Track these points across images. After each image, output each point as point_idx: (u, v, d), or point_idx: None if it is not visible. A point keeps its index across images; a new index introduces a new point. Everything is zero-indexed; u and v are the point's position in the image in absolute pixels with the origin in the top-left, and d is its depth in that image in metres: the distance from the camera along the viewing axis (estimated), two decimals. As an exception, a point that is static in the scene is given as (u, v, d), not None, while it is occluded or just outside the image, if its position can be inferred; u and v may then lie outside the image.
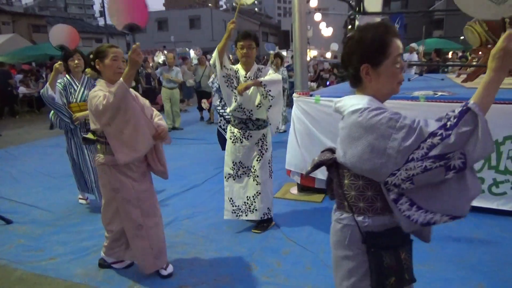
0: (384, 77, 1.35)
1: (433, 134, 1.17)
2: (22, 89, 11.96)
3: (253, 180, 3.34)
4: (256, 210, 3.37)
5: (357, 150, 1.28)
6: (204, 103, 8.40)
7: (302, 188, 4.31)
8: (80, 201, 4.25)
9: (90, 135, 2.68)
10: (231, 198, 3.43)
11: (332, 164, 1.47)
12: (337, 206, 1.52)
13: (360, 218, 1.39)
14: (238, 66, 3.31)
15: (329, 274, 2.71)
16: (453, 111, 1.20)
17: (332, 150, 1.52)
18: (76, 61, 3.78)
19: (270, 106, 3.16)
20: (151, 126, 2.53)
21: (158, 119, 2.68)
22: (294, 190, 4.37)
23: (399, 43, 1.34)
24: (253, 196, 3.36)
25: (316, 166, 1.50)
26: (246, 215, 3.42)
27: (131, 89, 2.65)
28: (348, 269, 1.46)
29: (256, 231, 3.40)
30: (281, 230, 3.43)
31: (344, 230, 1.44)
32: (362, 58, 1.35)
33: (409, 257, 1.39)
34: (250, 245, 3.18)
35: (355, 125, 1.29)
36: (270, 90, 3.08)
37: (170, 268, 2.77)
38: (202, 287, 2.63)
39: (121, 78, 2.28)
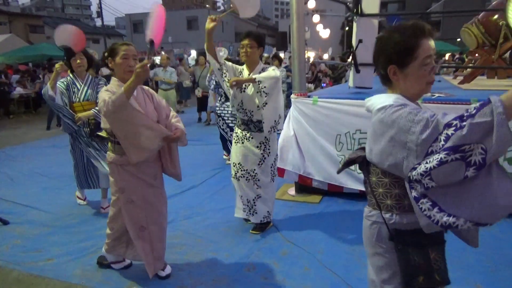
0: (411, 78, 1.35)
1: (448, 125, 1.15)
2: (19, 90, 11.91)
3: (254, 184, 3.32)
4: (256, 213, 3.36)
5: (381, 146, 1.32)
6: (199, 91, 8.55)
7: (300, 189, 4.31)
8: (78, 201, 4.22)
9: (103, 133, 2.71)
10: (241, 196, 3.42)
11: (363, 162, 1.50)
12: (368, 203, 1.55)
13: (387, 215, 1.40)
14: (244, 67, 3.31)
15: (327, 275, 2.73)
16: (476, 104, 1.18)
17: (364, 149, 1.53)
18: (78, 61, 3.74)
19: (265, 103, 3.08)
20: (158, 128, 2.45)
21: (176, 120, 2.65)
22: (292, 191, 4.37)
23: (429, 44, 1.32)
24: (253, 199, 3.34)
25: (346, 164, 1.56)
26: (247, 217, 3.43)
27: (146, 87, 2.68)
28: (378, 266, 1.49)
29: (254, 232, 3.40)
30: (279, 231, 3.43)
31: (373, 227, 1.47)
32: (388, 60, 1.37)
33: (441, 258, 1.37)
34: (248, 246, 3.18)
35: (379, 122, 1.32)
36: (264, 86, 3.01)
37: (168, 269, 2.76)
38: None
39: (122, 88, 2.21)
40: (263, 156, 3.28)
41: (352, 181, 3.95)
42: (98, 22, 38.26)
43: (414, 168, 1.22)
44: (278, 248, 3.14)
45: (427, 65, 1.32)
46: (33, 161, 6.24)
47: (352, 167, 3.89)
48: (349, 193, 4.05)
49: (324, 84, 12.43)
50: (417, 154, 1.21)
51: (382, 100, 1.37)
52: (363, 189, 4.15)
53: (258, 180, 3.31)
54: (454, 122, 1.14)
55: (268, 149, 3.30)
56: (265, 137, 3.27)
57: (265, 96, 3.04)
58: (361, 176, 3.83)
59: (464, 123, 1.12)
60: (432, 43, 1.33)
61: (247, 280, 2.70)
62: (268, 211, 3.40)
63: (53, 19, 35.54)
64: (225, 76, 3.28)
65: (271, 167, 3.36)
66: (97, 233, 3.50)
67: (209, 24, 3.07)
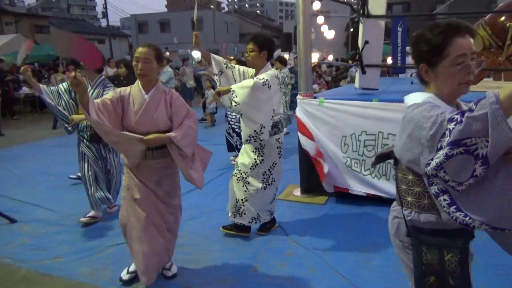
0: (442, 77, 1.34)
1: (450, 120, 1.16)
2: (24, 89, 11.97)
3: (243, 185, 3.26)
4: (244, 213, 3.29)
5: (402, 142, 1.35)
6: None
7: (305, 190, 4.31)
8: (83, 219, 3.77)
9: None
10: (231, 194, 3.40)
11: (395, 158, 1.51)
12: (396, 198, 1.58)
13: (406, 212, 1.42)
14: (252, 70, 3.29)
15: (333, 276, 2.73)
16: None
17: None
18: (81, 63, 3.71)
19: (240, 113, 3.03)
20: (124, 136, 2.39)
21: (179, 128, 2.49)
22: (297, 192, 4.37)
23: (463, 42, 1.29)
24: (241, 200, 3.28)
25: (378, 158, 1.60)
26: (234, 217, 3.34)
27: (176, 93, 2.60)
28: (401, 259, 1.55)
29: (260, 232, 3.40)
30: (285, 232, 3.44)
31: (394, 222, 1.52)
32: (419, 58, 1.38)
33: (458, 262, 1.33)
34: (254, 247, 3.19)
35: (402, 119, 1.35)
36: (236, 96, 2.92)
37: (174, 269, 2.78)
38: None
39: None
40: (256, 161, 3.19)
41: (359, 184, 3.94)
42: (103, 23, 38.49)
43: (429, 164, 1.24)
44: (284, 249, 3.14)
45: (459, 65, 1.29)
46: (39, 160, 6.28)
47: (358, 169, 3.89)
48: (355, 195, 4.05)
49: (316, 84, 12.27)
50: (429, 149, 1.23)
51: (414, 98, 1.38)
52: (369, 192, 4.15)
53: (248, 183, 3.23)
54: (456, 117, 1.14)
55: (262, 157, 3.17)
56: (260, 144, 3.15)
57: (236, 106, 2.93)
58: (368, 178, 3.86)
59: (463, 117, 1.13)
60: (468, 41, 1.29)
61: (253, 280, 2.71)
62: (258, 214, 3.30)
63: (59, 19, 35.77)
64: (219, 84, 3.32)
65: (263, 174, 3.21)
66: (104, 232, 3.52)
67: (194, 40, 3.23)
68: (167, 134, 2.42)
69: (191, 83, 11.45)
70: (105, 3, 28.65)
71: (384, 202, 3.90)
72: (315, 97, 4.15)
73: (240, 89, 2.94)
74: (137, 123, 2.44)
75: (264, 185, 3.24)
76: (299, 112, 4.19)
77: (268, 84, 2.99)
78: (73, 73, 2.10)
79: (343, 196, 4.12)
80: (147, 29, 37.17)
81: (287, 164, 5.34)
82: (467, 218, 1.20)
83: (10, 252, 3.16)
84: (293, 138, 4.87)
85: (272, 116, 3.08)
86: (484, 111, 1.08)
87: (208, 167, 5.58)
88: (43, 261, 3.02)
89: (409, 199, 1.41)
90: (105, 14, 30.00)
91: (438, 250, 1.34)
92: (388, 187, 3.75)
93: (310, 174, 4.21)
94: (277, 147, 3.25)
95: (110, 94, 2.53)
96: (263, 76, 3.04)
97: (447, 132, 1.16)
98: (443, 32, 1.30)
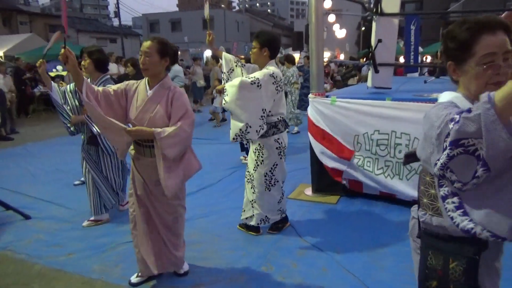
0: (469, 77, 1.26)
1: (451, 120, 1.13)
2: (39, 87, 12.15)
3: (251, 187, 3.29)
4: (253, 215, 3.32)
5: (420, 141, 1.34)
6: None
7: (316, 189, 4.29)
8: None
9: None
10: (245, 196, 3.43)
11: None
12: None
13: (421, 213, 1.40)
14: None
15: (345, 276, 2.71)
16: None
17: None
18: (82, 62, 3.58)
19: (230, 111, 3.04)
20: (112, 124, 2.36)
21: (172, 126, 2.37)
22: (309, 191, 4.36)
23: (493, 40, 1.20)
24: (251, 201, 3.31)
25: (407, 157, 1.58)
26: (246, 218, 3.38)
27: (179, 90, 2.50)
28: (414, 260, 1.53)
29: (271, 231, 3.40)
30: (296, 231, 3.42)
31: (411, 222, 1.52)
32: (446, 55, 1.32)
33: (463, 271, 1.28)
34: (265, 245, 3.18)
35: (423, 118, 1.31)
36: (226, 95, 2.95)
37: (186, 266, 2.79)
38: (218, 285, 2.64)
39: None
40: (256, 163, 3.19)
41: (371, 183, 3.91)
42: (116, 22, 38.83)
43: (435, 164, 1.21)
44: (295, 248, 3.13)
45: (487, 64, 1.20)
46: (53, 158, 6.37)
47: (370, 168, 3.86)
48: (368, 194, 4.01)
49: (328, 84, 12.22)
50: (437, 149, 1.19)
51: (442, 97, 1.36)
52: (383, 190, 4.10)
53: (254, 185, 3.25)
54: (455, 117, 1.11)
55: (261, 157, 3.16)
56: (259, 144, 3.14)
57: (225, 104, 2.97)
58: (380, 178, 3.82)
59: (461, 117, 1.10)
60: (500, 39, 1.20)
61: (265, 279, 2.70)
62: (266, 216, 3.29)
63: (72, 18, 36.16)
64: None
65: (265, 176, 3.19)
66: (116, 229, 3.56)
67: (208, 38, 3.32)
68: (152, 128, 2.32)
69: (201, 82, 11.47)
70: (117, 3, 28.86)
71: (396, 202, 3.86)
72: (327, 96, 4.12)
73: (230, 88, 2.95)
74: (136, 119, 2.44)
75: (268, 186, 3.22)
76: (310, 111, 4.17)
77: (258, 83, 2.94)
78: (62, 50, 2.15)
79: (355, 195, 4.10)
80: (158, 28, 37.39)
81: (298, 163, 5.34)
82: (470, 222, 1.17)
83: (26, 248, 3.21)
84: (305, 137, 4.84)
85: (262, 116, 2.99)
86: (478, 112, 1.05)
87: (220, 165, 5.60)
88: (57, 257, 3.06)
89: (425, 200, 1.39)
90: (117, 14, 30.26)
91: (444, 256, 1.30)
92: (401, 187, 3.71)
93: (322, 174, 4.19)
94: (277, 148, 3.17)
95: (116, 85, 2.55)
96: (254, 74, 3.01)
97: (449, 132, 1.13)
98: (470, 29, 1.22)
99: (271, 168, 3.20)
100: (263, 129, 3.02)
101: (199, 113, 11.19)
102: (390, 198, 3.89)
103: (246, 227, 3.41)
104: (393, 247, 3.09)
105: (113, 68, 10.26)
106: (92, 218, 3.69)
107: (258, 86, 2.94)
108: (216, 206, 4.07)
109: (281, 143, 3.20)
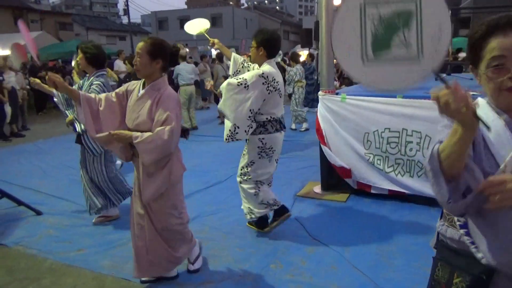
0: (483, 82, 1.16)
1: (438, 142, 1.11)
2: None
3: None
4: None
5: None
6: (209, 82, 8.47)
7: (326, 187, 4.27)
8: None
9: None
10: None
11: None
12: None
13: (440, 223, 1.37)
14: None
15: (355, 274, 2.70)
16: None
17: None
18: (77, 58, 3.64)
19: (223, 111, 3.09)
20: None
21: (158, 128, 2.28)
22: (318, 189, 4.33)
23: (502, 42, 1.08)
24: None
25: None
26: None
27: (167, 92, 2.41)
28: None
29: (270, 226, 3.35)
30: (305, 229, 3.41)
31: (436, 231, 1.44)
32: (467, 58, 1.25)
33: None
34: (274, 243, 3.17)
35: None
36: (221, 94, 3.01)
37: (198, 264, 2.79)
38: (227, 283, 2.64)
39: None
40: (242, 154, 3.25)
41: (381, 180, 3.88)
42: (125, 20, 39.01)
43: None
44: (304, 246, 3.12)
45: (495, 67, 1.10)
46: (63, 155, 6.42)
47: (381, 166, 3.82)
48: (377, 193, 3.98)
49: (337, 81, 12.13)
50: None
51: None
52: (392, 188, 4.06)
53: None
54: (438, 139, 1.11)
55: (245, 151, 3.21)
56: (247, 139, 3.13)
57: (219, 105, 3.05)
58: (391, 175, 3.78)
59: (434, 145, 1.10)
60: (502, 42, 1.09)
61: (274, 276, 2.70)
62: (249, 208, 3.26)
63: (81, 16, 36.49)
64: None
65: (241, 169, 3.22)
66: (125, 225, 3.55)
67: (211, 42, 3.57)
68: (131, 132, 2.31)
69: (209, 79, 11.48)
70: (127, 1, 29.04)
71: (406, 200, 3.83)
72: (337, 93, 4.09)
73: (223, 88, 2.98)
74: (126, 119, 2.45)
75: (242, 180, 3.23)
76: (320, 109, 4.15)
77: (245, 84, 2.90)
78: (47, 76, 2.30)
79: (365, 193, 4.06)
80: (167, 26, 37.48)
81: (307, 161, 5.32)
82: (472, 247, 1.14)
83: (37, 244, 3.25)
84: (314, 134, 4.81)
85: (249, 117, 2.95)
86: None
87: (228, 163, 5.58)
88: (68, 252, 3.09)
89: (444, 210, 1.35)
90: (126, 11, 30.43)
91: (451, 269, 1.25)
92: (412, 184, 3.67)
93: (331, 171, 4.16)
94: (258, 147, 3.09)
95: (119, 88, 2.59)
96: (243, 75, 3.00)
97: None
98: (481, 31, 1.14)
99: (247, 164, 3.17)
100: (252, 127, 3.02)
101: (207, 110, 11.21)
102: (399, 197, 3.85)
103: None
104: (403, 246, 3.06)
105: (120, 65, 10.28)
106: (101, 214, 3.70)
107: (245, 87, 2.91)
108: (225, 203, 4.07)
109: (265, 144, 3.08)
